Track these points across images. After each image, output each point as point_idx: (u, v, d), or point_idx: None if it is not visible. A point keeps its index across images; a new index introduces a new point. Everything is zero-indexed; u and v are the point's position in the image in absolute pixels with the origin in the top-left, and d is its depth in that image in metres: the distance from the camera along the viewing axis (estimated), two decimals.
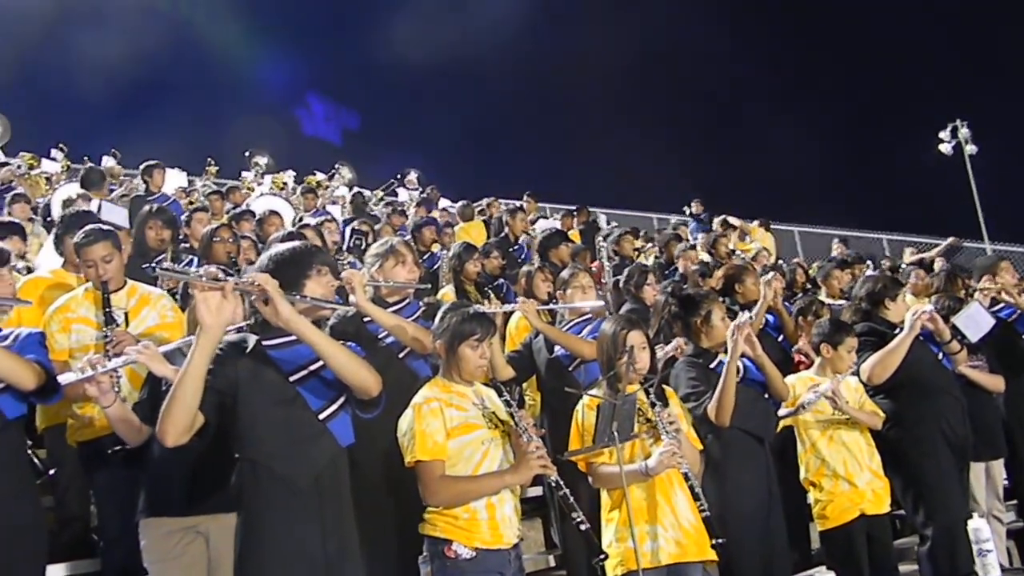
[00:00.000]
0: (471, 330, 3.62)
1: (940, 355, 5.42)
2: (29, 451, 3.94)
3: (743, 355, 4.51)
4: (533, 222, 11.80)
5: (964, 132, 20.00)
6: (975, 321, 5.61)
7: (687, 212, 16.63)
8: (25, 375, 3.33)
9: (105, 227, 4.76)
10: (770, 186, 26.12)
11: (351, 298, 4.15)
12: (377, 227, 9.86)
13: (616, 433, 3.70)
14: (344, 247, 8.12)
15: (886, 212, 19.84)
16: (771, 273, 6.52)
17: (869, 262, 11.07)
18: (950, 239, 13.57)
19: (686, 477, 3.86)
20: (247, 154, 16.87)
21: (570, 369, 5.09)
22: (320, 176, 16.96)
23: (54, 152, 15.06)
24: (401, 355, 4.34)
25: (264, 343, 3.10)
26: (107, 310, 4.42)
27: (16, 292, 3.71)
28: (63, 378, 3.45)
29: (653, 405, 3.96)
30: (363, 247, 8.04)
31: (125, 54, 23.80)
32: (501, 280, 8.19)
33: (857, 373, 5.15)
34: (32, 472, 3.98)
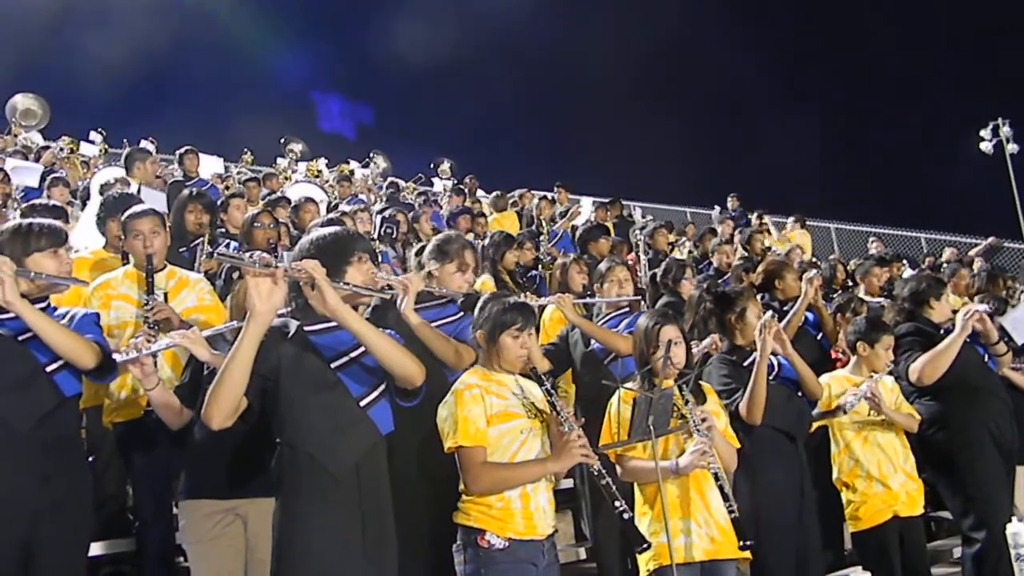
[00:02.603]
0: (512, 319, 3.62)
1: (986, 356, 5.36)
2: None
3: (776, 353, 4.49)
4: (563, 214, 11.78)
5: (1006, 131, 19.72)
6: (1022, 323, 5.54)
7: (716, 209, 16.56)
8: (86, 354, 3.40)
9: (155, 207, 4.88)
10: (803, 181, 25.89)
11: (399, 301, 4.15)
12: (411, 215, 9.89)
13: (652, 427, 3.69)
14: (376, 235, 8.15)
15: (924, 210, 19.57)
16: (813, 270, 6.48)
17: (906, 260, 10.95)
18: (990, 239, 13.37)
19: (716, 477, 3.85)
20: (282, 141, 17.06)
21: (606, 363, 5.09)
22: (354, 164, 17.09)
23: (93, 135, 15.29)
24: None
25: (306, 328, 3.13)
26: (149, 280, 4.54)
27: (72, 271, 3.78)
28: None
29: (687, 401, 3.94)
30: (394, 236, 8.11)
31: (135, 48, 24.21)
32: (534, 271, 8.21)
33: (893, 373, 5.10)
34: (83, 450, 4.07)
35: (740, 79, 30.35)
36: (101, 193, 7.26)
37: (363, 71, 30.85)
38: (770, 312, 4.73)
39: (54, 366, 3.40)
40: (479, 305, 3.78)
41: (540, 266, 8.65)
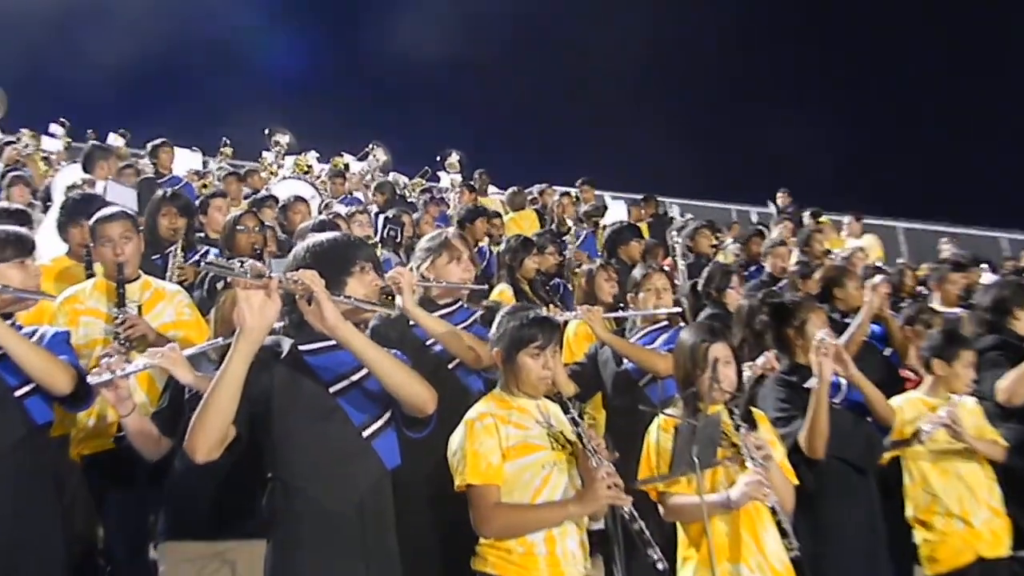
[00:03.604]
0: (532, 336, 3.63)
1: None
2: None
3: (837, 374, 4.47)
4: (589, 214, 11.77)
5: None
6: None
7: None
8: (61, 377, 3.43)
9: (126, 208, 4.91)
10: (862, 175, 25.77)
11: (397, 300, 4.18)
12: (416, 216, 9.89)
13: (697, 459, 3.67)
14: (378, 238, 8.13)
15: (1003, 206, 19.43)
16: (878, 276, 6.44)
17: (986, 264, 10.86)
18: None
19: (774, 511, 3.81)
20: (266, 131, 16.98)
21: (641, 385, 5.10)
22: (348, 158, 17.05)
23: (53, 127, 15.22)
24: (451, 365, 4.37)
25: (301, 348, 3.14)
26: (121, 292, 4.56)
27: (40, 284, 3.81)
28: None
29: (738, 428, 3.92)
30: (398, 239, 8.09)
31: (130, 40, 24.70)
32: (557, 280, 8.20)
33: (975, 393, 5.06)
34: (55, 486, 4.08)
35: (775, 62, 30.35)
36: (67, 194, 7.29)
37: (366, 63, 31.20)
38: (824, 333, 4.69)
39: (24, 390, 3.42)
40: (496, 320, 3.79)
41: (566, 273, 8.64)
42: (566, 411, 3.56)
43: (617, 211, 12.40)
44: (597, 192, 15.47)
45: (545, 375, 3.63)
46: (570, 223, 10.03)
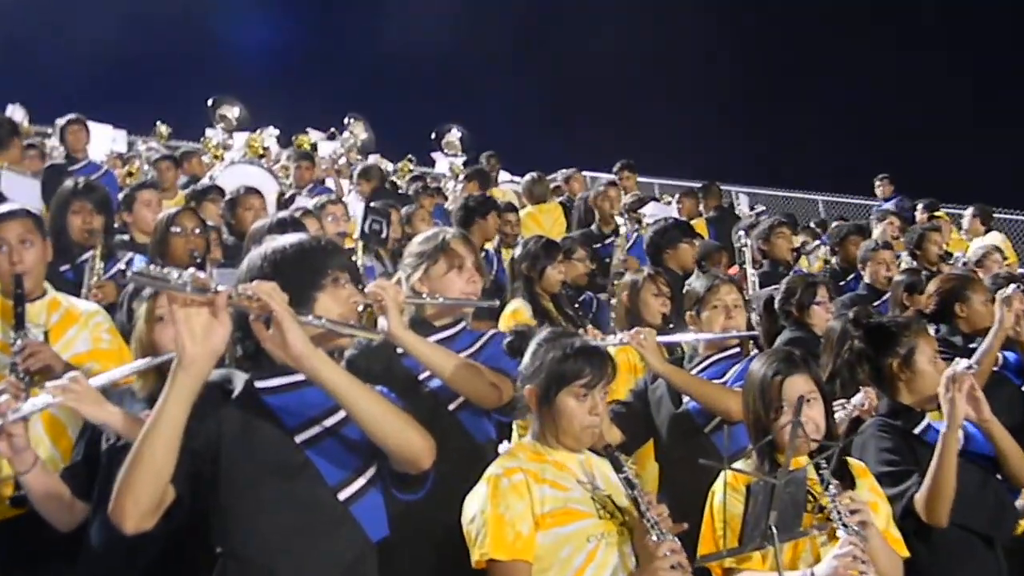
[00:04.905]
0: (576, 371, 3.63)
1: None
2: None
3: (967, 418, 4.44)
4: (632, 207, 11.76)
5: None
6: None
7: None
8: None
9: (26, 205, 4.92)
10: (984, 164, 25.68)
11: (380, 321, 4.16)
12: (405, 211, 9.86)
13: (774, 528, 3.67)
14: (357, 233, 8.06)
15: None
16: (1010, 287, 6.41)
17: None
18: None
19: None
20: (210, 103, 16.96)
21: (706, 431, 5.09)
22: (316, 135, 16.99)
23: (11, 108, 15.15)
24: (453, 406, 4.36)
25: (258, 385, 3.14)
26: (19, 311, 4.54)
27: None
28: None
29: (827, 487, 3.91)
30: (383, 236, 8.05)
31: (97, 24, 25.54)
32: (588, 293, 8.18)
33: None
34: None
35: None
36: None
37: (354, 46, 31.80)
38: (965, 362, 4.64)
39: None
40: (530, 349, 3.78)
41: (609, 286, 8.60)
42: (618, 469, 3.57)
43: (658, 205, 12.37)
44: (641, 179, 15.48)
45: (592, 422, 3.65)
46: (621, 221, 9.92)
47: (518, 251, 7.13)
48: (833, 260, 10.45)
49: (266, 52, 30.33)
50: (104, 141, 13.82)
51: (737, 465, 3.98)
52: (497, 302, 5.26)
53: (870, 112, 28.10)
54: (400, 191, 13.20)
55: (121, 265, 6.42)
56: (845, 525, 3.83)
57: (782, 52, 30.32)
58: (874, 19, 30.61)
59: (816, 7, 30.07)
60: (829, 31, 30.57)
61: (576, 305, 7.54)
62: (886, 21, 30.54)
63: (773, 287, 7.55)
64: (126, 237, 7.41)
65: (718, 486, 4.04)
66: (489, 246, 9.33)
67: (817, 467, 3.93)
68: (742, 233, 9.77)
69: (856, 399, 4.91)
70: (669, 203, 14.58)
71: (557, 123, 30.25)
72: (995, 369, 5.91)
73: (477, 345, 4.51)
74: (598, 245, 9.73)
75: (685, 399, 5.19)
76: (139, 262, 6.54)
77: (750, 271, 9.03)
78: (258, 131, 16.03)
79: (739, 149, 26.77)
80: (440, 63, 30.63)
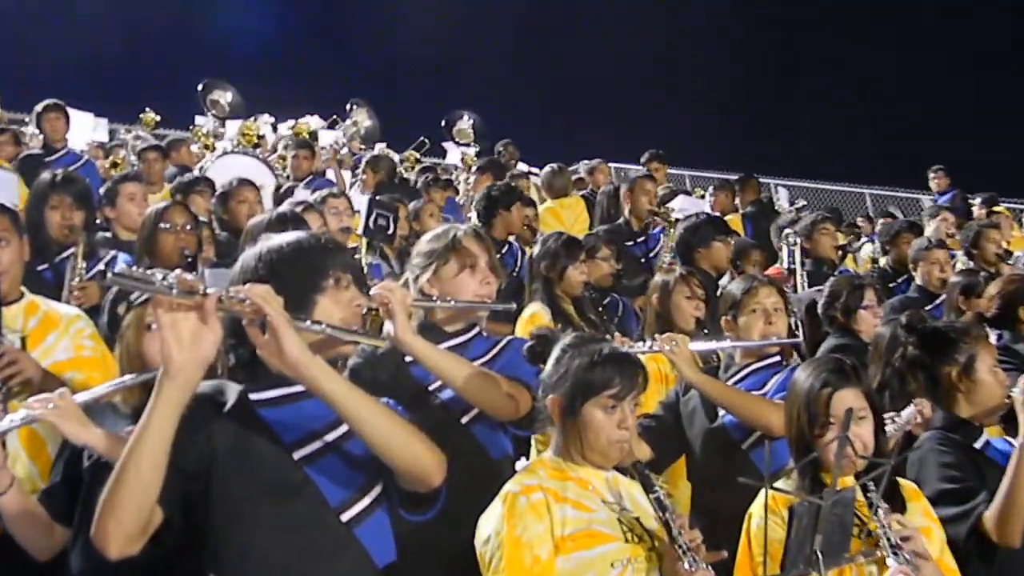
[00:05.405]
0: (605, 380, 3.64)
1: None
2: None
3: None
4: (664, 200, 11.74)
5: None
6: None
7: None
8: None
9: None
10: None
11: (386, 326, 4.18)
12: (413, 206, 9.86)
13: (820, 554, 3.66)
14: (361, 229, 8.06)
15: None
16: None
17: None
18: None
19: None
20: (200, 88, 16.99)
21: (743, 448, 5.09)
22: (317, 121, 16.95)
23: None
24: (466, 419, 4.38)
25: (252, 397, 3.15)
26: None
27: None
28: None
29: (876, 510, 3.92)
30: (390, 232, 8.05)
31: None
32: (613, 296, 8.17)
33: None
34: None
35: None
36: None
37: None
38: None
39: None
40: (553, 356, 3.80)
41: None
42: (649, 489, 3.58)
43: (689, 199, 12.32)
44: (672, 171, 15.45)
45: (621, 437, 3.66)
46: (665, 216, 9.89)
47: (536, 250, 7.13)
48: (883, 260, 10.44)
49: (261, 37, 30.45)
50: (85, 129, 13.84)
51: (778, 485, 3.97)
52: (514, 305, 5.25)
53: (922, 98, 27.95)
54: (409, 183, 13.19)
55: (103, 265, 6.40)
56: (896, 552, 3.82)
57: (827, 33, 30.33)
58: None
59: None
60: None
61: (600, 309, 7.52)
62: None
63: (816, 289, 7.56)
64: (109, 234, 7.40)
65: (756, 508, 4.05)
66: (514, 239, 9.28)
67: (865, 488, 3.93)
68: (787, 230, 9.75)
69: (906, 413, 4.90)
70: (702, 197, 14.57)
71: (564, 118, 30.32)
72: None
73: (493, 352, 4.52)
74: (629, 243, 9.65)
75: (721, 412, 5.18)
76: (123, 261, 6.53)
77: (799, 271, 9.01)
78: (252, 119, 16.02)
79: (775, 138, 26.69)
80: (441, 57, 30.75)
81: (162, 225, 6.47)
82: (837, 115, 28.54)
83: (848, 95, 29.33)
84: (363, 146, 16.13)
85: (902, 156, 22.94)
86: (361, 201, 8.44)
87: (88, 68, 25.16)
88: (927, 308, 7.38)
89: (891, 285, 9.06)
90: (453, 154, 17.14)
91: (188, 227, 6.55)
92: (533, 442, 5.55)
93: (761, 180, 14.45)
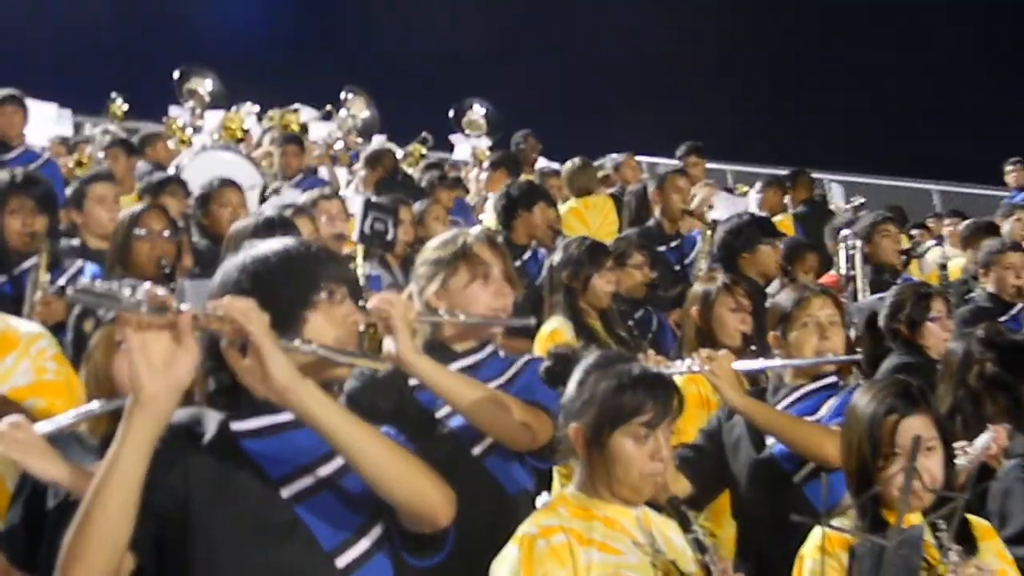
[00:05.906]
0: (635, 406, 3.64)
1: None
2: None
3: None
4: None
5: None
6: None
7: None
8: None
9: None
10: None
11: (386, 345, 4.17)
12: (419, 206, 9.88)
13: None
14: (356, 234, 8.07)
15: None
16: None
17: None
18: None
19: None
20: (176, 75, 16.97)
21: (795, 481, 5.07)
22: (309, 112, 16.96)
23: None
24: (478, 450, 4.38)
25: (234, 428, 3.14)
26: None
27: None
28: None
29: (946, 552, 3.90)
30: (389, 238, 8.06)
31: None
32: (646, 308, 8.16)
33: None
34: None
35: None
36: None
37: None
38: None
39: None
40: (575, 377, 3.78)
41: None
42: (686, 528, 3.58)
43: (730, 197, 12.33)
44: (711, 165, 15.44)
45: (654, 469, 3.66)
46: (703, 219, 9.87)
47: (557, 257, 7.09)
48: (951, 264, 10.44)
49: (246, 23, 30.80)
50: (46, 123, 13.88)
51: (835, 523, 3.95)
52: (533, 320, 5.24)
53: (1000, 77, 28.06)
54: (412, 181, 13.22)
55: (67, 277, 6.41)
56: None
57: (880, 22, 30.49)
58: None
59: None
60: None
61: (631, 323, 7.52)
62: None
63: (876, 298, 7.54)
64: (76, 242, 7.43)
65: (809, 549, 4.03)
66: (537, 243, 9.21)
67: (934, 527, 3.93)
68: (844, 232, 9.69)
69: (981, 441, 4.87)
70: (745, 194, 14.57)
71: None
72: None
73: (509, 374, 4.52)
74: (662, 248, 9.65)
75: (769, 441, 5.16)
76: (91, 273, 6.55)
77: (859, 277, 8.95)
78: (235, 108, 15.98)
79: (828, 127, 26.78)
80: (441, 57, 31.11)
81: (137, 231, 6.50)
82: (900, 100, 28.61)
83: (913, 76, 29.30)
84: (360, 140, 16.13)
85: (976, 146, 22.94)
86: (357, 202, 8.45)
87: (52, 52, 25.47)
88: (1001, 319, 7.37)
89: (966, 296, 9.03)
90: (462, 148, 17.07)
91: (166, 233, 6.57)
92: (555, 475, 5.54)
93: (814, 176, 14.46)
